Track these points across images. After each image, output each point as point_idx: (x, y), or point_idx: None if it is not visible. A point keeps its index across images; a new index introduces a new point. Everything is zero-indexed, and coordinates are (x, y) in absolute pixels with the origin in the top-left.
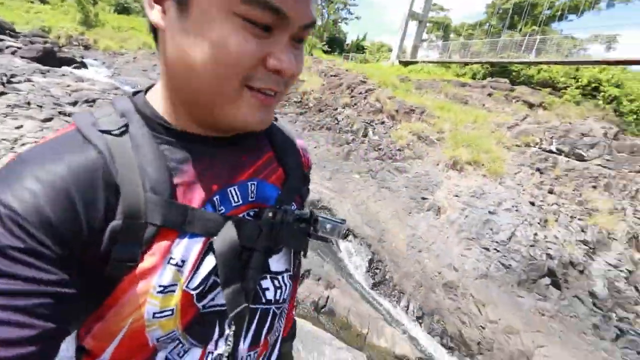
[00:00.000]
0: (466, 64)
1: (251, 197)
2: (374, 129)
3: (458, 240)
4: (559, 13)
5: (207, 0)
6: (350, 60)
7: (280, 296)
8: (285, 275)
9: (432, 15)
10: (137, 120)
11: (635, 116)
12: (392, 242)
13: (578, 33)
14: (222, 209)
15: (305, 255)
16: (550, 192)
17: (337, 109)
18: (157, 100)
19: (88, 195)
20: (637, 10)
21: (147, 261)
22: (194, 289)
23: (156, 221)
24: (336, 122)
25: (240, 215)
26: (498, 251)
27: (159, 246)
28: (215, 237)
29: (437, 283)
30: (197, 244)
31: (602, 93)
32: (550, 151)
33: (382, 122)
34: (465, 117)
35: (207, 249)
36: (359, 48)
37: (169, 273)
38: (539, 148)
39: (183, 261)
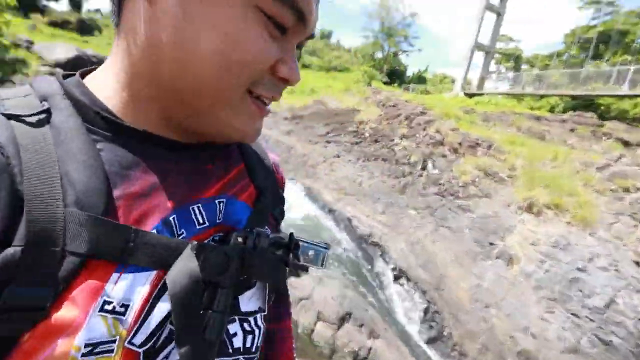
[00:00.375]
0: (542, 96)
1: (219, 219)
2: (434, 162)
3: (536, 299)
4: None
5: None
6: (410, 92)
7: (251, 344)
8: (258, 316)
9: (500, 47)
10: (65, 106)
11: None
12: (452, 291)
13: None
14: (182, 232)
15: (284, 292)
16: None
17: (393, 139)
18: (103, 86)
19: None
20: None
21: (66, 309)
22: (141, 345)
23: (80, 249)
24: (393, 153)
25: (205, 241)
26: (592, 320)
27: (86, 286)
28: (169, 272)
29: (510, 350)
30: (146, 281)
31: None
32: None
33: (443, 156)
34: (542, 153)
35: (161, 288)
36: (420, 80)
37: (101, 324)
38: None
39: (125, 306)
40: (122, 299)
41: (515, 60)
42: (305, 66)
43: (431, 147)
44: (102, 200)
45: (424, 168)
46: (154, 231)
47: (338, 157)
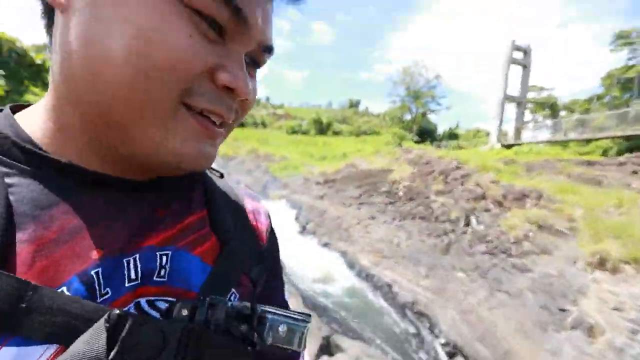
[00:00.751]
0: (588, 141)
1: (160, 276)
2: (477, 217)
3: None
4: None
5: None
6: (442, 149)
7: None
8: None
9: (533, 96)
10: None
11: None
12: None
13: None
14: (106, 292)
15: None
16: None
17: (429, 196)
18: (33, 120)
19: None
20: None
21: None
22: None
23: None
24: (430, 210)
25: (129, 307)
26: None
27: None
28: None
29: None
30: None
31: None
32: None
33: (487, 210)
34: (603, 200)
35: None
36: (452, 136)
37: None
38: None
39: None
40: None
41: (551, 107)
42: (335, 133)
43: (472, 201)
44: None
45: (467, 224)
46: (63, 289)
47: (373, 218)
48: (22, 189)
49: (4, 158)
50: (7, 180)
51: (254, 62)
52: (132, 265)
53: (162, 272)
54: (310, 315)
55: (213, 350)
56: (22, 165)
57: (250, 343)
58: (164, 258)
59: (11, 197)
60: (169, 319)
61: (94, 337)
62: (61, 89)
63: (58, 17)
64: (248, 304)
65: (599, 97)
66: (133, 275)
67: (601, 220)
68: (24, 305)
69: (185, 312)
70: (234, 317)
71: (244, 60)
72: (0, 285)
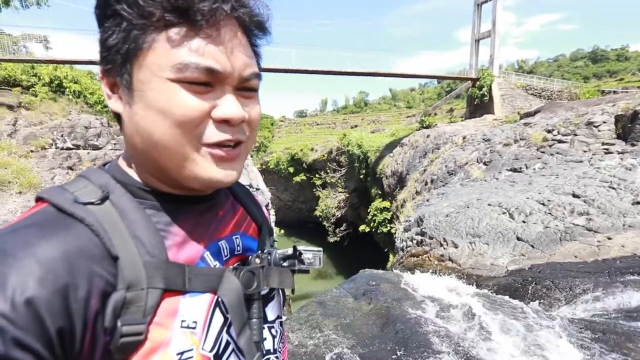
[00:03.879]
0: None
1: (237, 250)
2: None
3: None
4: None
5: (144, 75)
6: None
7: (277, 345)
8: (277, 322)
9: None
10: (118, 189)
11: (99, 106)
12: None
13: (9, 29)
14: (216, 263)
15: (293, 292)
16: None
17: None
18: (130, 170)
19: (85, 280)
20: (56, 13)
21: (158, 330)
22: (210, 351)
23: (159, 284)
24: None
25: (232, 266)
26: None
27: (166, 310)
28: (219, 291)
29: None
30: (204, 301)
31: (67, 89)
32: (69, 148)
33: None
34: None
35: (214, 305)
36: None
37: (183, 337)
38: (57, 148)
39: (195, 322)
40: (192, 317)
41: None
42: None
43: None
44: (162, 249)
45: None
46: (201, 265)
47: None
48: (155, 217)
49: (137, 199)
50: (147, 211)
51: (247, 88)
52: (223, 247)
53: (238, 247)
54: (321, 249)
55: (276, 277)
56: (147, 201)
57: (292, 270)
58: (237, 240)
59: (154, 221)
60: (251, 266)
61: (232, 280)
62: (134, 157)
63: (122, 117)
64: (289, 250)
65: None
66: (225, 252)
67: None
68: (188, 277)
69: (257, 260)
70: (281, 257)
71: (235, 92)
72: (177, 269)
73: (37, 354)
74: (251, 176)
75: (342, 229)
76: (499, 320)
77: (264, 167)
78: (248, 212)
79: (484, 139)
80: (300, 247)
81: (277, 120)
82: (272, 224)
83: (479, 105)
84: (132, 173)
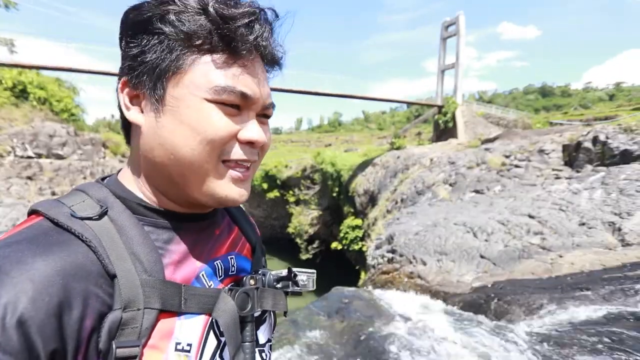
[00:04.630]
0: None
1: (232, 271)
2: None
3: None
4: None
5: (180, 93)
6: None
7: None
8: (267, 345)
9: None
10: (117, 204)
11: (66, 114)
12: None
13: None
14: (211, 284)
15: (285, 315)
16: (54, 194)
17: None
18: (132, 185)
19: (80, 300)
20: (22, 16)
21: (152, 353)
22: None
23: (155, 305)
24: None
25: (226, 287)
26: None
27: (161, 332)
28: (214, 313)
29: None
30: (199, 323)
31: (31, 95)
32: (29, 157)
33: None
34: None
35: (209, 327)
36: None
37: None
38: (16, 156)
39: (189, 344)
40: (187, 339)
41: None
42: None
43: None
44: (160, 268)
45: None
46: (196, 285)
47: None
48: (154, 234)
49: (136, 215)
50: (145, 228)
51: (264, 115)
52: (218, 266)
53: (233, 268)
54: (314, 271)
55: (269, 297)
56: (146, 218)
57: (285, 292)
58: (232, 260)
59: (152, 238)
60: (245, 287)
61: (227, 301)
62: (145, 170)
63: (137, 129)
64: (284, 271)
65: None
66: (221, 272)
67: None
68: (185, 297)
69: (251, 282)
70: (275, 279)
71: (256, 118)
72: (173, 289)
73: None
74: None
75: (314, 246)
76: (465, 335)
77: None
78: (242, 231)
79: (449, 162)
80: (294, 269)
81: None
82: None
83: (444, 130)
84: (133, 188)
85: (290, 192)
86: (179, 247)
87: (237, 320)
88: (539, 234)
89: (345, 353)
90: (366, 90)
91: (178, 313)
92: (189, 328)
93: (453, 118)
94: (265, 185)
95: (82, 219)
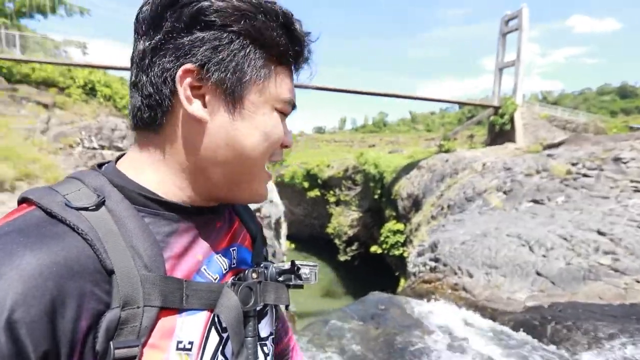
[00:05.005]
0: None
1: (233, 264)
2: None
3: None
4: (25, 10)
5: (258, 99)
6: None
7: None
8: (269, 339)
9: None
10: (114, 194)
11: (127, 110)
12: None
13: (52, 35)
14: (216, 277)
15: (287, 308)
16: None
17: None
18: (146, 173)
19: (75, 298)
20: (94, 21)
21: (153, 353)
22: None
23: (156, 302)
24: None
25: (228, 281)
26: None
27: (161, 331)
28: (217, 309)
29: None
30: (200, 320)
31: (99, 92)
32: (94, 148)
33: None
34: None
35: (210, 324)
36: None
37: None
38: (84, 147)
39: (190, 342)
40: (188, 337)
41: None
42: None
43: None
44: (161, 263)
45: None
46: (198, 280)
47: None
48: (154, 226)
49: (136, 206)
50: (145, 220)
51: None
52: (220, 260)
53: (234, 260)
54: (317, 264)
55: (271, 291)
56: (146, 209)
57: (287, 285)
58: (234, 252)
59: (152, 232)
60: (248, 281)
61: (230, 296)
62: (192, 167)
63: (193, 123)
64: (286, 264)
65: None
66: (223, 266)
67: None
68: (186, 293)
69: (254, 275)
70: (277, 272)
71: None
72: (175, 285)
73: None
74: None
75: (353, 248)
76: (515, 358)
77: (278, 179)
78: (243, 222)
79: (504, 167)
80: (297, 263)
81: (295, 135)
82: (284, 238)
83: (500, 133)
84: (141, 178)
85: (331, 192)
86: (180, 240)
87: (241, 316)
88: (610, 254)
89: None
90: (414, 89)
91: (179, 310)
92: (190, 325)
93: (511, 120)
94: (306, 184)
95: (78, 209)
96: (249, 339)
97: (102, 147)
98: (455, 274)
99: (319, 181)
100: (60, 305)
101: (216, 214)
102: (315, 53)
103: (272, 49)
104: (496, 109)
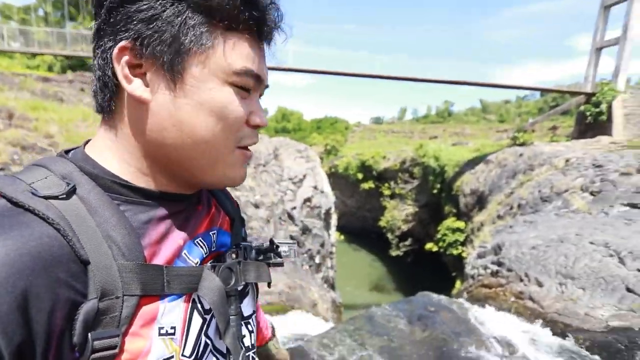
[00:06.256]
0: (34, 54)
1: (213, 247)
2: None
3: None
4: None
5: (201, 73)
6: None
7: (253, 340)
8: (253, 317)
9: None
10: (85, 181)
11: None
12: None
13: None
14: (197, 261)
15: (269, 285)
16: None
17: None
18: (109, 159)
19: (48, 290)
20: None
21: (135, 341)
22: (190, 356)
23: (136, 291)
24: None
25: (209, 263)
26: None
27: (143, 318)
28: (200, 291)
29: None
30: (181, 304)
31: None
32: None
33: None
34: (71, 115)
35: (191, 307)
36: None
37: (162, 346)
38: None
39: (173, 327)
40: (170, 322)
41: None
42: None
43: None
44: (139, 251)
45: None
46: (178, 264)
47: None
48: (130, 213)
49: (109, 193)
50: (121, 207)
51: (261, 96)
52: (201, 244)
53: (214, 243)
54: (296, 242)
55: (251, 270)
56: (121, 197)
57: (267, 263)
58: (213, 236)
59: (128, 220)
60: (227, 262)
61: (212, 277)
62: (149, 149)
63: (137, 105)
64: (265, 243)
65: (35, 9)
66: (203, 249)
67: (76, 134)
68: (167, 279)
69: (233, 256)
70: (257, 251)
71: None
72: (155, 272)
73: None
74: (317, 178)
75: (406, 243)
76: None
77: (332, 170)
78: (221, 205)
79: (593, 165)
80: (276, 242)
81: (351, 125)
82: (333, 229)
83: (591, 125)
84: (109, 164)
85: (386, 184)
86: (159, 227)
87: (224, 296)
88: None
89: None
90: (487, 76)
91: (161, 296)
92: (173, 310)
93: (608, 109)
94: (360, 176)
95: (46, 197)
96: (232, 317)
97: None
98: (521, 280)
99: (374, 173)
100: (33, 297)
101: (196, 199)
102: (289, 14)
103: (216, 13)
104: (589, 96)
